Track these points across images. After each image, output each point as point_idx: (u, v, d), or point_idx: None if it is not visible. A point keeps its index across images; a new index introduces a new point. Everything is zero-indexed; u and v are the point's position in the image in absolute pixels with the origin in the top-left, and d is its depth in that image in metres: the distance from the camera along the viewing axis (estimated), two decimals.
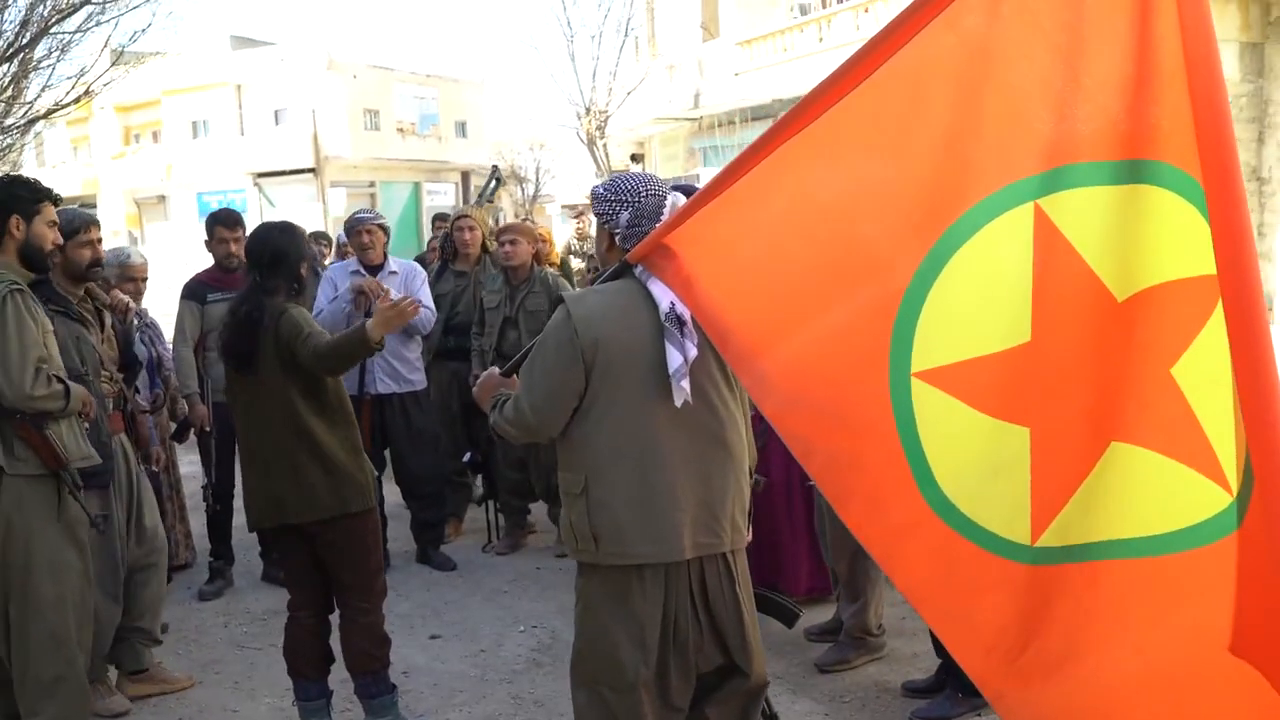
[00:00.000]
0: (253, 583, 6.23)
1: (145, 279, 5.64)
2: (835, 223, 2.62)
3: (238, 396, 4.09)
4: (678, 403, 2.93)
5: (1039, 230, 2.40)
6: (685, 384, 2.92)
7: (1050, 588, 2.45)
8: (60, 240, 3.97)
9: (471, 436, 6.77)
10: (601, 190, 3.14)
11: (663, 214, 3.04)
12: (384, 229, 6.24)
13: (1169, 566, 2.35)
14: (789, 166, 2.64)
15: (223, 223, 5.95)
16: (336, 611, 4.21)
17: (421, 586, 6.00)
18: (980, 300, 2.47)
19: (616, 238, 3.09)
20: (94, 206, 37.61)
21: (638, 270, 2.98)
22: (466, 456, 6.55)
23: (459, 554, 6.51)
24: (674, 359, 2.91)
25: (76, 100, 17.44)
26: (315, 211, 32.17)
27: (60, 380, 3.72)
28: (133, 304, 5.07)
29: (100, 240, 4.62)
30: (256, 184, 36.04)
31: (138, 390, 4.85)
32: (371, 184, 37.48)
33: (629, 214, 3.05)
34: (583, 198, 30.59)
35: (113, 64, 17.64)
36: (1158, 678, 2.37)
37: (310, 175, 35.62)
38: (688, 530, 3.00)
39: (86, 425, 3.95)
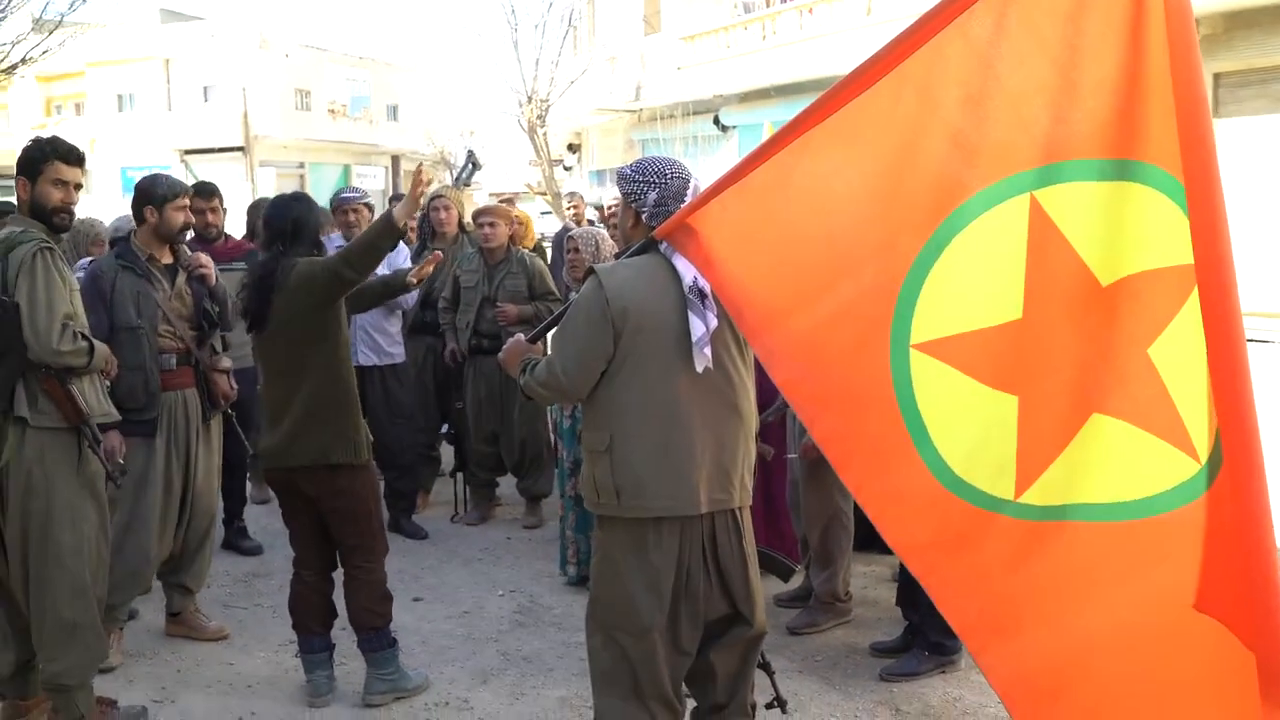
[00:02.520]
0: (221, 550, 6.34)
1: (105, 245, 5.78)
2: (846, 208, 2.89)
3: (257, 356, 4.36)
4: (699, 368, 3.19)
5: (1034, 218, 2.70)
6: (707, 351, 3.18)
7: (1029, 542, 2.74)
8: (72, 200, 4.09)
9: (443, 410, 6.98)
10: (629, 172, 3.38)
11: (686, 196, 3.29)
12: (369, 207, 6.42)
13: (1138, 530, 2.65)
14: (806, 156, 2.91)
15: (199, 193, 6.06)
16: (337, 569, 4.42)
17: (397, 553, 6.11)
18: (977, 279, 2.75)
19: (643, 216, 3.33)
20: (11, 178, 36.65)
21: (663, 246, 3.23)
22: (444, 428, 6.74)
23: (429, 524, 6.69)
24: (697, 328, 3.17)
25: (12, 68, 17.19)
26: (243, 191, 31.81)
27: (85, 338, 3.87)
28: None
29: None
30: (184, 160, 35.53)
31: (214, 350, 4.98)
32: (301, 165, 37.18)
33: (656, 194, 3.30)
34: (522, 185, 30.71)
35: (48, 34, 17.37)
36: (1127, 633, 2.66)
37: (239, 154, 35.20)
38: (703, 487, 3.25)
39: (108, 383, 4.10)
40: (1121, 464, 2.65)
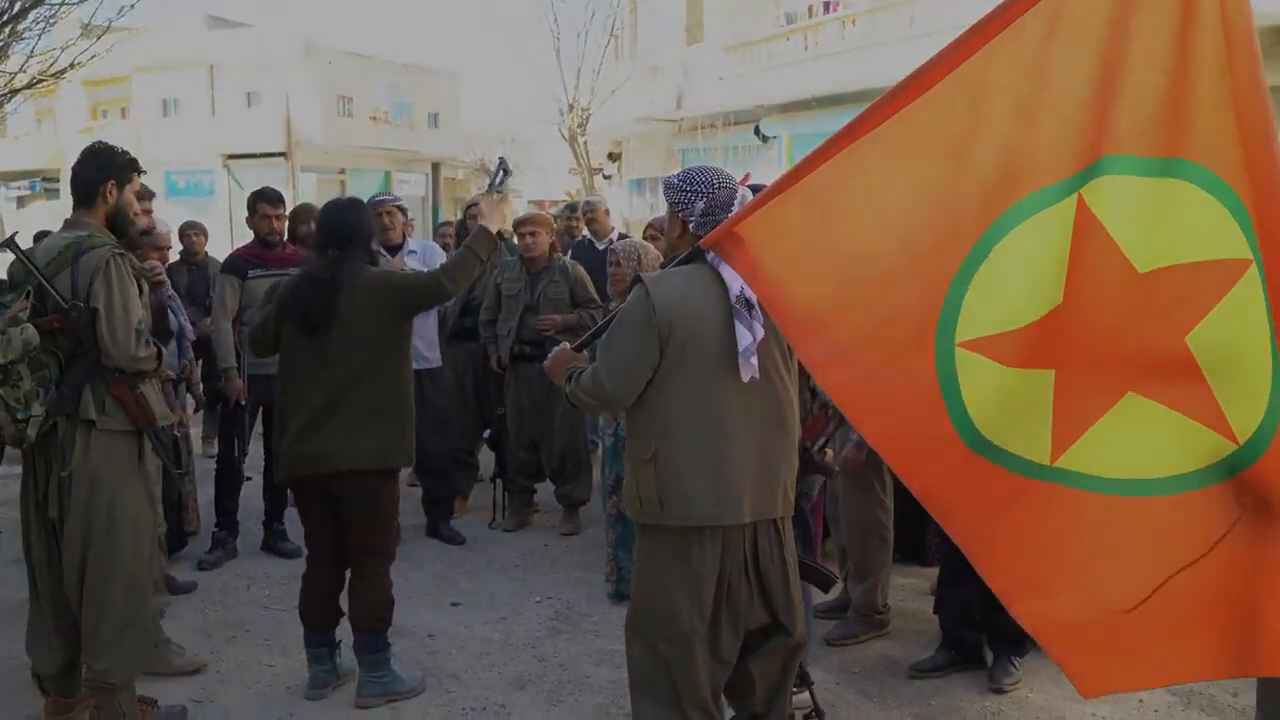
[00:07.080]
0: (260, 551, 6.40)
1: (170, 248, 5.81)
2: (895, 216, 2.91)
3: (297, 358, 4.26)
4: (745, 378, 3.19)
5: (1079, 215, 2.74)
6: (753, 361, 3.18)
7: (1063, 507, 2.80)
8: (140, 210, 4.16)
9: (483, 416, 7.01)
10: (677, 181, 3.39)
11: (733, 205, 3.30)
12: (402, 210, 6.48)
13: (1171, 505, 2.73)
14: (856, 164, 2.92)
15: (267, 199, 6.13)
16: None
17: (434, 558, 6.22)
18: (1023, 278, 2.79)
19: (690, 225, 3.34)
20: (57, 180, 37.21)
21: (709, 255, 3.24)
22: (486, 433, 6.78)
23: (466, 530, 6.72)
24: (743, 338, 3.17)
25: (61, 73, 17.37)
26: (285, 196, 32.05)
27: (154, 343, 3.91)
28: (163, 273, 5.23)
29: (150, 211, 4.81)
30: (226, 165, 35.87)
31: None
32: (342, 171, 37.40)
33: (704, 203, 3.31)
34: (561, 194, 30.78)
35: (96, 39, 17.56)
36: (1160, 597, 2.72)
37: (281, 159, 35.45)
38: (747, 496, 3.26)
39: (159, 386, 4.15)
40: (1153, 442, 2.72)
